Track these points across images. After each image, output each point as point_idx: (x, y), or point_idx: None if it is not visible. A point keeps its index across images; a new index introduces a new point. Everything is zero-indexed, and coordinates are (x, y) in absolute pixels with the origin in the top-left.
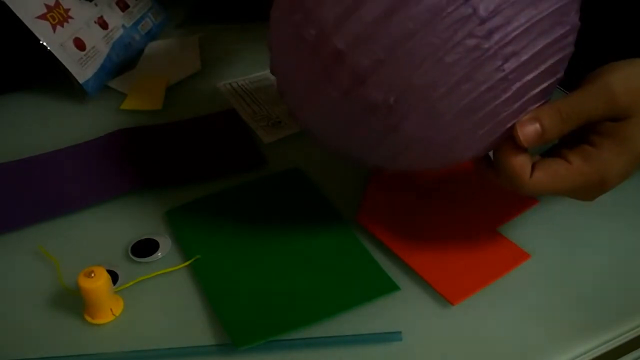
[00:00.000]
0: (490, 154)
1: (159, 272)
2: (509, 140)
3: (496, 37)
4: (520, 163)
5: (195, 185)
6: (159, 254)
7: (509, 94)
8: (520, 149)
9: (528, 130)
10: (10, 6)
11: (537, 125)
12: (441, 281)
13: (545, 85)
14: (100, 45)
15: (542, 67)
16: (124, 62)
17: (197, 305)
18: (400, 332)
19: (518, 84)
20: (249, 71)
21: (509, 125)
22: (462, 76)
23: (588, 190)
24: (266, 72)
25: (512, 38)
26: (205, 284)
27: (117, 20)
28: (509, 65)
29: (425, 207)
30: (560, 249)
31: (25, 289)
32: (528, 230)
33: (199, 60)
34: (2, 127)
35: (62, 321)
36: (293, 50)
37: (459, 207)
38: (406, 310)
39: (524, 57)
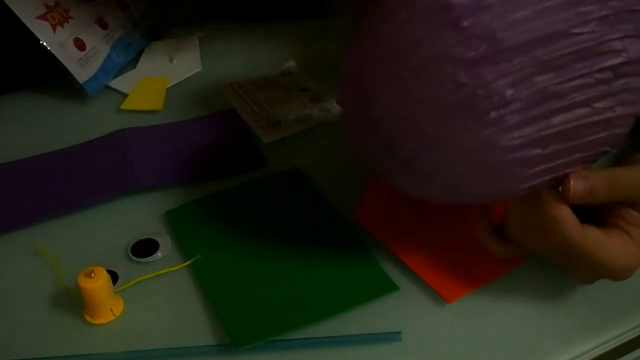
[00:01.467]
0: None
1: (159, 272)
2: (551, 190)
3: (624, 80)
4: (570, 211)
5: (195, 185)
6: (159, 254)
7: (594, 137)
8: (566, 203)
9: (579, 184)
10: (10, 6)
11: (589, 184)
12: (438, 279)
13: (606, 149)
14: (100, 45)
15: (624, 129)
16: (124, 62)
17: (197, 305)
18: (400, 332)
19: (606, 133)
20: (249, 71)
21: (561, 172)
22: (583, 100)
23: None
24: (266, 72)
25: (634, 87)
26: (205, 284)
27: (117, 20)
28: (619, 110)
29: (424, 207)
30: None
31: (25, 289)
32: None
33: (199, 60)
34: (2, 127)
35: (62, 321)
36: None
37: (458, 206)
38: (406, 310)
39: (629, 111)
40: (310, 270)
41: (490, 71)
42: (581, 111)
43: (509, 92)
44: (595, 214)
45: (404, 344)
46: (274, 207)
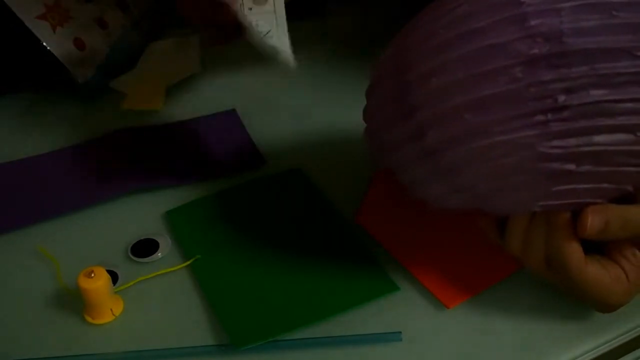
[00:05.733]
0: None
1: (159, 272)
2: (566, 223)
3: None
4: (579, 247)
5: (195, 185)
6: (159, 254)
7: (627, 169)
8: (576, 235)
9: (597, 220)
10: (10, 6)
11: (604, 221)
12: (438, 284)
13: (627, 188)
14: (100, 45)
15: None
16: (124, 62)
17: (197, 305)
18: (400, 332)
19: (633, 169)
20: (249, 71)
21: (581, 199)
22: (629, 125)
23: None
24: (266, 72)
25: None
26: (205, 284)
27: (117, 20)
28: None
29: (425, 211)
30: None
31: (25, 289)
32: None
33: (199, 60)
34: (2, 127)
35: (62, 321)
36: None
37: (458, 214)
38: (406, 311)
39: None
40: (310, 270)
41: (548, 72)
42: (625, 137)
43: (562, 98)
44: (600, 243)
45: (404, 344)
46: (274, 207)
